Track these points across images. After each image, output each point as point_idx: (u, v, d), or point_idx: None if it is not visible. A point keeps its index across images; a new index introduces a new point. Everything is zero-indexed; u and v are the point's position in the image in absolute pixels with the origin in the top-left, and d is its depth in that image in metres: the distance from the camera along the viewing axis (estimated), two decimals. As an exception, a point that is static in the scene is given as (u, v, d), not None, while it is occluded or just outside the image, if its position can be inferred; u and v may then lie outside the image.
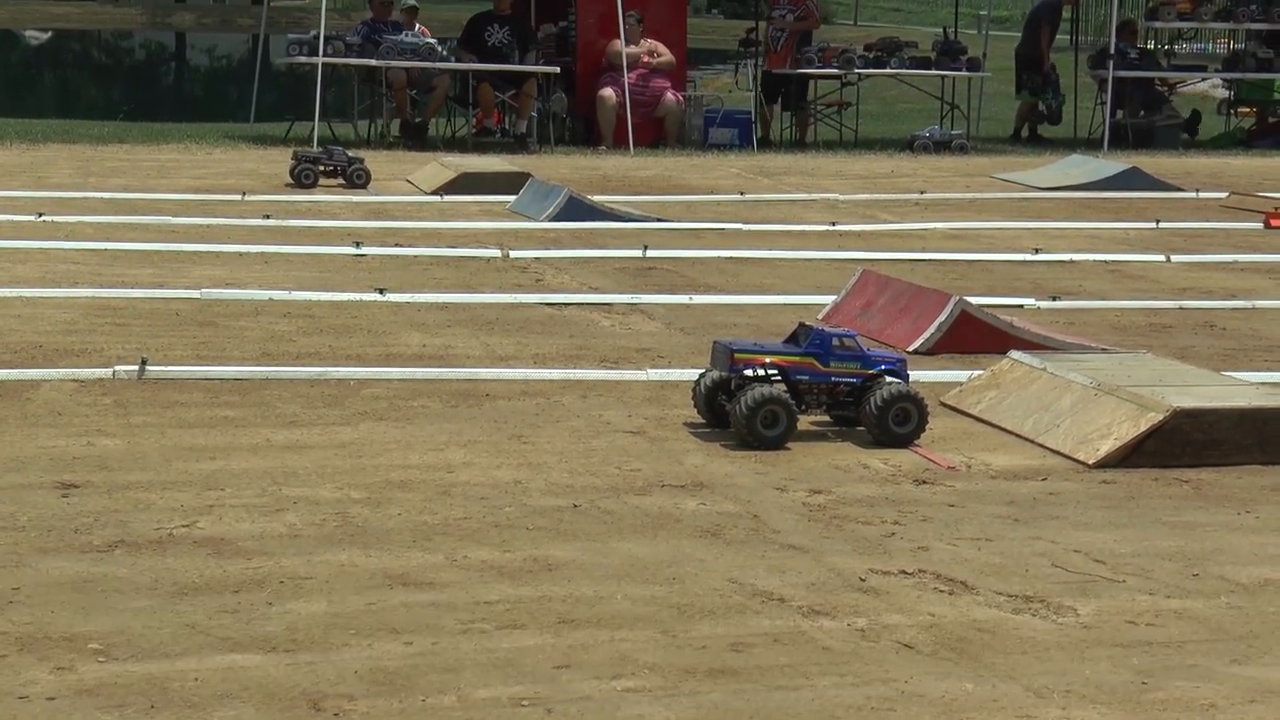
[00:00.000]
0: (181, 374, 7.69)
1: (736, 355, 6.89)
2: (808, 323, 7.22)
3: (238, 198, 14.33)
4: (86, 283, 10.03)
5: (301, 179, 15.23)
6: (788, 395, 6.80)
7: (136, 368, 7.64)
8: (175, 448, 6.52)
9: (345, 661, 4.43)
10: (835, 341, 6.94)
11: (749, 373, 6.85)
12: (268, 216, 13.13)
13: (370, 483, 6.11)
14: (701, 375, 7.09)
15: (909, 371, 7.09)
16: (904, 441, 6.79)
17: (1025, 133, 22.91)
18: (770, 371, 6.87)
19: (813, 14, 22.15)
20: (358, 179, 15.28)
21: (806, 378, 6.91)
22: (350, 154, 15.76)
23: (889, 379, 6.90)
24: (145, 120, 23.02)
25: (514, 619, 4.77)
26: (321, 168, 15.42)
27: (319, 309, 9.45)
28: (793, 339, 7.08)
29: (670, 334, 9.08)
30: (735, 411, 6.72)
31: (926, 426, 6.84)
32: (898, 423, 6.81)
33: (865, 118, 22.78)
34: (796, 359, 6.91)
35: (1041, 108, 22.75)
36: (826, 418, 7.06)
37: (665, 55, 20.51)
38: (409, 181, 15.89)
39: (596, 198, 13.92)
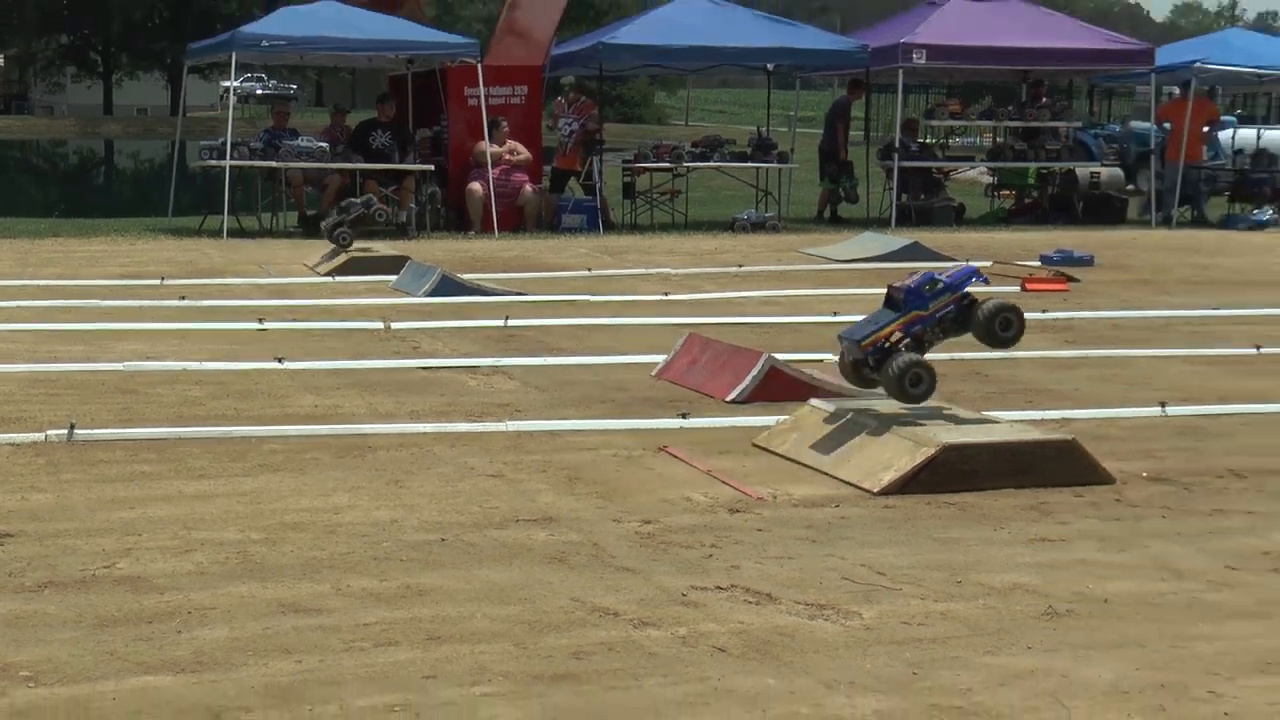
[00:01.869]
0: (106, 436, 7.59)
1: (863, 344, 7.06)
2: (895, 284, 7.25)
3: (157, 282, 14.16)
4: (23, 359, 9.87)
5: (340, 240, 15.42)
6: (922, 357, 7.00)
7: (66, 431, 7.53)
8: (99, 500, 6.44)
9: (244, 679, 4.40)
10: (925, 288, 7.11)
11: (886, 346, 7.04)
12: (183, 298, 12.99)
13: (268, 525, 6.07)
14: (840, 356, 7.33)
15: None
16: (1005, 344, 7.06)
17: (827, 214, 23.26)
18: (900, 340, 7.07)
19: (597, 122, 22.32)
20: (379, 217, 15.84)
21: (920, 326, 7.08)
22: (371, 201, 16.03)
23: (979, 294, 7.12)
24: (78, 216, 22.65)
25: (389, 637, 4.77)
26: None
27: (226, 377, 9.36)
28: (890, 303, 7.19)
29: (527, 391, 9.10)
30: (885, 378, 6.96)
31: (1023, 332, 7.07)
32: (1003, 328, 7.04)
33: (693, 203, 22.99)
34: (908, 318, 7.07)
35: (841, 191, 23.15)
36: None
37: (524, 153, 20.60)
38: (306, 265, 15.80)
39: (466, 276, 13.92)
